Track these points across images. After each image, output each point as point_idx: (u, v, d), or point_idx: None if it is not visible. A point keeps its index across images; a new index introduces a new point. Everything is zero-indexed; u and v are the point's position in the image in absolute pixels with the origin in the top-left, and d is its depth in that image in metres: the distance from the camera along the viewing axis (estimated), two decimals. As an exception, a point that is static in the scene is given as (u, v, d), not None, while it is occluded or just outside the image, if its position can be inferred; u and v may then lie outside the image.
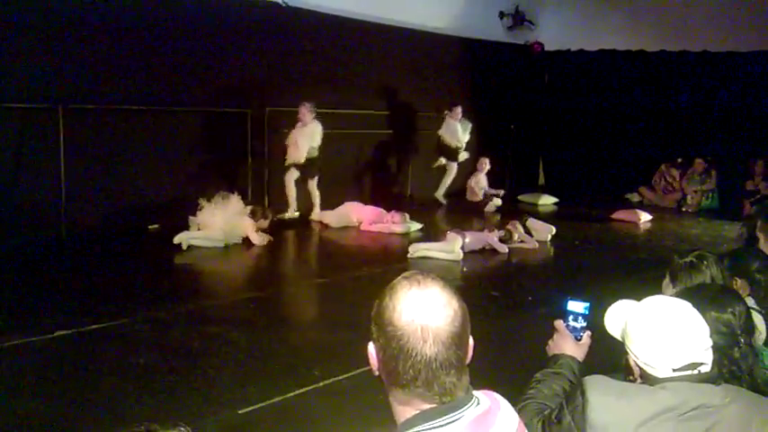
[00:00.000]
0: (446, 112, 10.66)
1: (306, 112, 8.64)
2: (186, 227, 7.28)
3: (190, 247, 7.09)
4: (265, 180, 9.08)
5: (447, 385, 1.30)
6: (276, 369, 4.22)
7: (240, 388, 3.90)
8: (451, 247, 7.45)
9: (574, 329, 2.20)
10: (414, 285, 1.33)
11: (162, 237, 7.27)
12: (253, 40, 8.71)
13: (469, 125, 10.90)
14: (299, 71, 9.27)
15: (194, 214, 7.33)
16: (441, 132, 10.65)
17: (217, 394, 3.82)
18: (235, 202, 7.54)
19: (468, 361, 1.36)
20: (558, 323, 2.23)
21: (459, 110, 10.63)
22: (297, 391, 3.87)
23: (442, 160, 10.92)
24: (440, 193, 10.91)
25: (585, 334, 2.20)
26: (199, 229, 7.27)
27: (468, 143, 10.88)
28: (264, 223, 7.70)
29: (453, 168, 10.87)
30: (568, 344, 2.19)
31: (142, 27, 7.69)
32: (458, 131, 10.62)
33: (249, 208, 7.64)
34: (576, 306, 2.20)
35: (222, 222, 7.29)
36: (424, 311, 1.30)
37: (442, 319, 1.30)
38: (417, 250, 7.41)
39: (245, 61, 8.66)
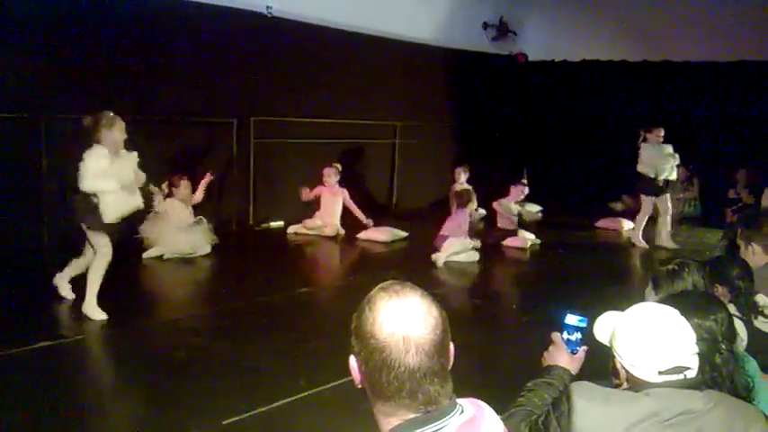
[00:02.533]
0: (643, 133, 8.87)
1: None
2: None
3: (170, 258, 7.05)
4: (251, 189, 9.05)
5: (432, 393, 1.30)
6: (260, 379, 4.20)
7: (224, 399, 3.87)
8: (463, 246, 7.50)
9: (569, 342, 2.23)
10: (393, 296, 1.33)
11: (142, 247, 7.21)
12: (237, 50, 8.70)
13: (670, 149, 8.78)
14: (284, 81, 9.27)
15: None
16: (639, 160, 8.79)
17: (200, 405, 3.79)
18: (178, 209, 7.31)
19: (449, 367, 1.36)
20: (555, 335, 2.27)
21: (659, 132, 8.75)
22: (282, 401, 3.85)
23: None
24: (661, 239, 8.91)
25: (581, 348, 2.23)
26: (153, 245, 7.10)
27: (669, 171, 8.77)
28: (183, 191, 7.39)
29: (663, 204, 8.89)
30: (563, 356, 2.23)
31: (126, 37, 7.65)
32: (653, 157, 8.69)
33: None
34: (574, 320, 2.24)
35: (167, 236, 7.10)
36: (404, 322, 1.29)
37: (423, 328, 1.30)
38: (439, 258, 7.41)
39: (229, 70, 8.64)
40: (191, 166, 8.30)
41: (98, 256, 5.13)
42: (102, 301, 5.58)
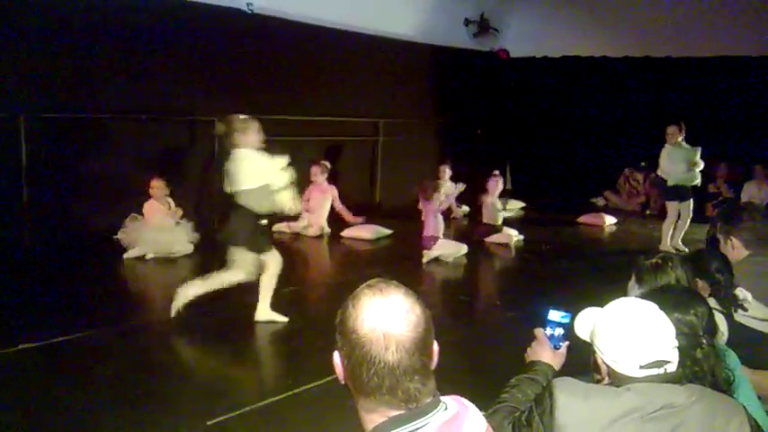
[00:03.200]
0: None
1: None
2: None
3: (154, 258, 7.01)
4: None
5: (411, 391, 1.31)
6: (247, 378, 4.19)
7: (209, 398, 3.87)
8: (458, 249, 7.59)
9: (552, 338, 2.25)
10: (376, 293, 1.35)
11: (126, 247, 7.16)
12: (218, 47, 8.65)
13: (690, 150, 8.23)
14: (266, 78, 9.23)
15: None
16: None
17: (186, 406, 3.78)
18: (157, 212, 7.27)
19: (433, 366, 1.37)
20: (538, 331, 2.28)
21: (670, 130, 8.23)
22: (269, 400, 3.85)
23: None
24: (671, 242, 8.39)
25: (564, 344, 2.25)
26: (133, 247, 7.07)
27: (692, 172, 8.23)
28: (158, 191, 7.32)
29: (685, 210, 8.33)
30: (546, 352, 2.24)
31: (104, 35, 7.58)
32: (663, 159, 8.33)
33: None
34: (557, 316, 2.25)
35: (148, 236, 7.07)
36: (386, 319, 1.31)
37: (405, 325, 1.31)
38: (429, 255, 7.46)
39: (210, 68, 8.59)
40: (172, 164, 8.26)
41: (271, 266, 5.16)
42: (86, 301, 5.56)
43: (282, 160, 5.15)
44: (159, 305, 5.84)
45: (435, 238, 7.54)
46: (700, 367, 2.03)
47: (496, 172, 9.18)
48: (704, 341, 2.09)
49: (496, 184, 8.80)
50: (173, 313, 4.98)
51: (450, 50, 12.27)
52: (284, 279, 6.57)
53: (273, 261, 5.18)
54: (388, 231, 8.78)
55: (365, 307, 1.33)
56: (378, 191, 11.26)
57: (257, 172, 4.94)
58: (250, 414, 3.69)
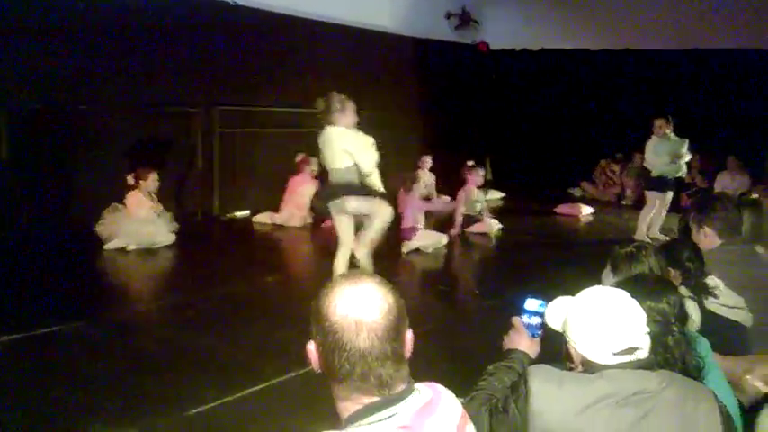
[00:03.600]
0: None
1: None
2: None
3: (135, 249, 6.97)
4: (215, 179, 8.97)
5: (384, 377, 1.35)
6: (227, 369, 4.20)
7: (189, 389, 3.87)
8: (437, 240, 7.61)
9: (529, 326, 2.28)
10: (349, 282, 1.40)
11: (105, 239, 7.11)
12: (202, 39, 8.59)
13: (677, 142, 8.23)
14: (249, 70, 9.19)
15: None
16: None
17: (167, 396, 3.78)
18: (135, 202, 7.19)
19: (407, 353, 1.41)
20: (515, 320, 2.31)
21: (658, 122, 8.25)
22: (248, 390, 3.86)
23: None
24: (649, 232, 8.41)
25: (541, 332, 2.28)
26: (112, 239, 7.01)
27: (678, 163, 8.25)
28: (151, 184, 7.25)
29: (663, 200, 8.42)
30: (523, 340, 2.27)
31: (85, 26, 7.49)
32: (648, 152, 8.36)
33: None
34: (534, 304, 2.28)
35: (130, 228, 7.01)
36: (357, 306, 1.35)
37: (376, 312, 1.35)
38: (409, 246, 7.49)
39: (193, 60, 8.53)
40: (155, 155, 8.21)
41: (378, 221, 5.23)
42: (65, 293, 5.52)
43: (370, 140, 5.31)
44: (138, 296, 5.83)
45: (415, 230, 7.58)
46: (671, 354, 2.08)
47: (471, 162, 9.16)
48: (675, 329, 2.13)
49: (475, 176, 8.80)
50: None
51: (431, 43, 12.27)
52: (265, 270, 6.61)
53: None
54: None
55: (338, 295, 1.37)
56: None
57: (348, 151, 5.10)
58: (230, 404, 3.71)
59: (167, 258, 7.06)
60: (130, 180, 7.19)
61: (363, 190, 5.18)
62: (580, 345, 1.92)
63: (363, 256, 5.26)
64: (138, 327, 4.95)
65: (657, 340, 2.03)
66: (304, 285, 6.31)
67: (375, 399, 1.36)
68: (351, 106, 5.27)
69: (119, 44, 7.80)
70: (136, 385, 3.91)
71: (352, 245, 5.31)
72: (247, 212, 9.19)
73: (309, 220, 8.74)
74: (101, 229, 7.04)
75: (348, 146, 5.10)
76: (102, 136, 7.79)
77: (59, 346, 4.46)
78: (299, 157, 8.79)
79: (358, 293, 1.37)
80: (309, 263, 7.77)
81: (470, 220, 8.66)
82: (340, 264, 5.27)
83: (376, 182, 5.30)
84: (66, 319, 4.84)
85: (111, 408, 3.63)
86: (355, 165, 5.13)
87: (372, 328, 1.34)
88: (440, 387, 1.49)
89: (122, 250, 6.95)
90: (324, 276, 6.47)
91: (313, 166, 8.68)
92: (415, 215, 7.64)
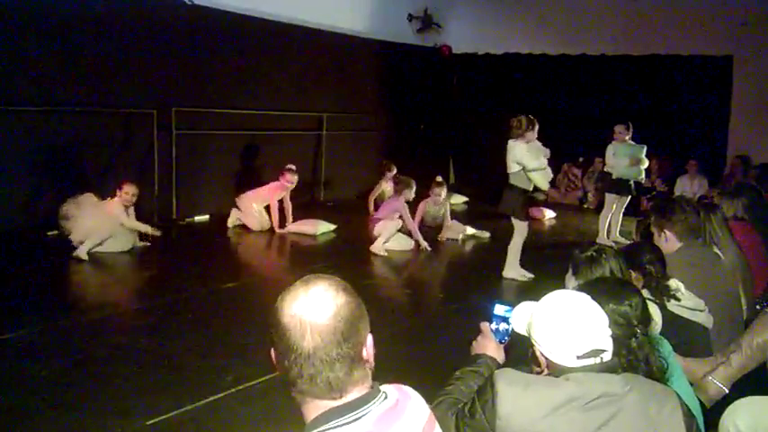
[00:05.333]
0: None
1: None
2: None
3: (92, 254, 6.79)
4: (174, 183, 8.80)
5: (332, 380, 1.32)
6: (187, 377, 4.11)
7: (149, 398, 3.77)
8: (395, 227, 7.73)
9: (497, 332, 2.28)
10: (302, 285, 1.39)
11: (61, 244, 6.92)
12: (158, 39, 8.42)
13: (635, 147, 8.55)
14: (207, 71, 9.06)
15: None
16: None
17: (124, 405, 3.68)
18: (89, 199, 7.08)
19: (366, 357, 1.38)
20: (484, 325, 2.31)
21: (618, 128, 8.57)
22: (209, 399, 3.78)
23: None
24: (610, 236, 8.64)
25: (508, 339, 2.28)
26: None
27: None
28: (126, 197, 7.07)
29: (620, 203, 8.73)
30: (491, 345, 2.28)
31: (42, 25, 7.29)
32: (609, 157, 8.65)
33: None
34: (502, 310, 2.28)
35: (90, 222, 6.85)
36: (304, 307, 1.34)
37: (323, 313, 1.33)
38: (378, 247, 7.55)
39: (149, 60, 8.35)
40: (108, 157, 8.04)
41: (518, 233, 6.70)
42: (22, 300, 5.36)
43: (538, 152, 6.61)
44: (95, 302, 5.68)
45: (377, 220, 7.74)
46: (635, 356, 2.08)
47: (439, 179, 9.11)
48: (638, 331, 2.14)
49: (434, 196, 8.54)
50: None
51: (394, 45, 12.28)
52: (225, 275, 6.51)
53: (521, 230, 6.65)
54: (332, 226, 8.74)
55: (289, 298, 1.37)
56: (321, 185, 11.20)
57: (517, 159, 6.52)
58: (190, 413, 3.62)
59: (124, 264, 6.90)
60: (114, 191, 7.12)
61: None
62: (545, 348, 1.92)
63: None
64: (94, 334, 4.81)
65: (621, 343, 2.04)
66: (264, 291, 6.22)
67: (335, 404, 1.33)
68: (533, 127, 6.71)
69: (74, 44, 7.60)
70: (91, 394, 3.80)
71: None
72: (206, 217, 9.06)
73: (268, 225, 8.59)
74: (65, 224, 6.87)
75: (515, 155, 6.66)
76: (57, 137, 7.57)
77: (12, 353, 4.31)
78: (291, 170, 8.56)
79: (306, 295, 1.36)
80: (269, 268, 7.69)
81: (434, 230, 8.60)
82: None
83: (540, 184, 6.86)
84: (17, 327, 4.69)
85: (61, 418, 3.51)
86: (519, 171, 6.76)
87: (316, 329, 1.32)
88: (408, 389, 1.47)
89: (69, 253, 6.72)
90: (283, 281, 6.40)
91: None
92: (386, 213, 7.74)
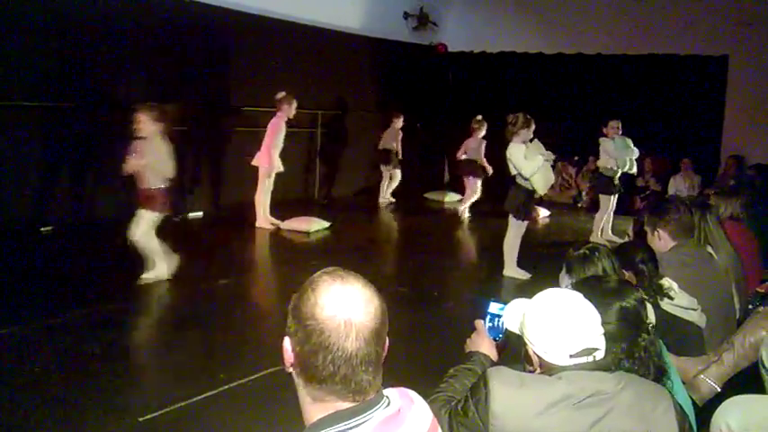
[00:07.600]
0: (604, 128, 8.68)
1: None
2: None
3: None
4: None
5: (363, 383, 1.30)
6: (179, 374, 4.10)
7: (141, 394, 3.77)
8: None
9: (492, 330, 2.28)
10: (336, 280, 1.33)
11: (54, 239, 6.89)
12: (152, 35, 8.38)
13: (629, 141, 8.61)
14: (203, 67, 9.03)
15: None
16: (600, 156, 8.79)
17: (117, 402, 3.67)
18: None
19: (383, 359, 1.35)
20: (478, 323, 2.31)
21: (614, 124, 8.60)
22: (201, 396, 3.77)
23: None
24: (603, 235, 8.62)
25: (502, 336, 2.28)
26: None
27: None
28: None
29: (611, 201, 8.77)
30: (485, 343, 2.28)
31: (34, 22, 7.23)
32: (615, 150, 8.53)
33: None
34: (496, 308, 2.29)
35: None
36: (347, 307, 1.29)
37: (365, 314, 1.30)
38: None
39: (144, 56, 8.32)
40: (107, 154, 7.99)
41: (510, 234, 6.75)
42: (15, 296, 5.33)
43: (538, 151, 6.53)
44: (90, 299, 5.65)
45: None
46: (646, 352, 2.06)
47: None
48: (648, 327, 2.14)
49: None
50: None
51: (390, 43, 12.26)
52: (218, 272, 6.49)
53: (515, 228, 6.69)
54: (326, 224, 8.72)
55: (325, 293, 1.30)
56: (316, 182, 11.19)
57: (515, 167, 6.45)
58: (182, 410, 3.61)
59: (117, 260, 6.87)
60: None
61: None
62: (538, 347, 1.92)
63: None
64: (85, 330, 4.78)
65: (629, 341, 2.03)
66: (257, 288, 6.21)
67: (342, 406, 1.30)
68: (528, 125, 6.65)
69: (66, 42, 7.55)
70: (83, 391, 3.78)
71: None
72: (200, 214, 9.03)
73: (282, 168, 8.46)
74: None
75: (513, 157, 6.59)
76: (48, 133, 7.53)
77: (1, 351, 4.29)
78: (280, 95, 8.43)
79: (347, 293, 1.31)
80: (263, 265, 7.67)
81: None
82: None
83: (538, 186, 6.69)
84: (10, 323, 4.66)
85: (53, 415, 3.49)
86: (519, 173, 6.66)
87: (360, 331, 1.28)
88: (412, 394, 1.44)
89: (70, 250, 6.68)
90: (278, 279, 6.39)
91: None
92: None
